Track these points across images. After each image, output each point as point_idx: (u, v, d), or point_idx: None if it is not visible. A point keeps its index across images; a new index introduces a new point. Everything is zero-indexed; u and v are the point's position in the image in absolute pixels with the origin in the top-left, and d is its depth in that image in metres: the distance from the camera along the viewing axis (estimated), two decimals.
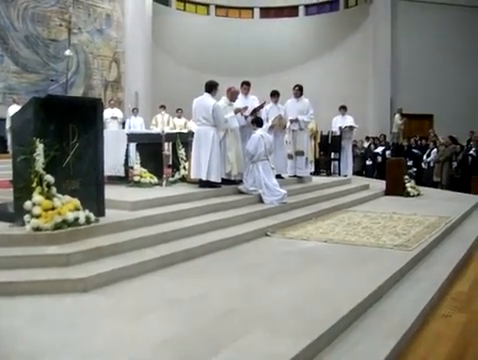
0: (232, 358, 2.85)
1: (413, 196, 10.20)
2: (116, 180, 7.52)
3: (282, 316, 3.48)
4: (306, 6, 22.63)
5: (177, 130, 11.88)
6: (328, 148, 12.16)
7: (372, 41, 20.76)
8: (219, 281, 4.34)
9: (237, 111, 7.99)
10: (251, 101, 8.53)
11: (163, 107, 14.29)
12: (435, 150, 14.11)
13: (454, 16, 19.32)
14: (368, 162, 16.42)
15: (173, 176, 8.21)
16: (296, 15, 22.72)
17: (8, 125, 12.07)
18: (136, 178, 7.51)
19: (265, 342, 3.04)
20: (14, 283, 3.95)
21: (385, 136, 17.62)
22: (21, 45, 15.55)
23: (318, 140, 12.25)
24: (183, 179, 8.08)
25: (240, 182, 7.82)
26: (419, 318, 3.87)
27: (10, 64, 15.30)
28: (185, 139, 8.46)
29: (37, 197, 4.60)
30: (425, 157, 14.51)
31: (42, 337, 3.14)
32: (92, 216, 4.92)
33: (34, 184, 4.63)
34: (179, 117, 14.19)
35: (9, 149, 11.28)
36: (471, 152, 13.11)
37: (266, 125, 8.70)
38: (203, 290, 4.06)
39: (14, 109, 10.34)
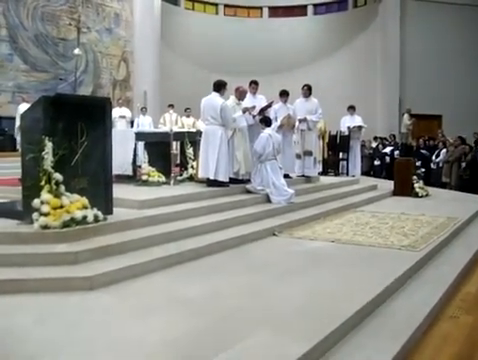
0: (237, 358, 2.85)
1: (421, 197, 10.14)
2: (124, 179, 7.53)
3: (289, 316, 3.47)
4: (315, 5, 22.60)
5: (185, 129, 11.89)
6: (336, 148, 12.13)
7: (381, 41, 20.68)
8: (226, 280, 4.34)
9: (245, 110, 7.98)
10: (259, 100, 8.52)
11: (171, 106, 14.30)
12: (444, 150, 14.03)
13: (464, 16, 19.21)
14: (376, 162, 16.33)
15: (181, 175, 8.21)
16: (305, 14, 22.71)
17: (18, 123, 12.15)
18: (144, 177, 7.53)
19: (271, 342, 3.03)
20: (22, 281, 3.97)
21: (394, 136, 17.53)
22: (30, 44, 15.65)
23: (326, 140, 12.20)
24: (191, 178, 8.09)
25: (248, 181, 7.82)
26: (427, 319, 3.85)
27: (19, 63, 15.40)
28: (193, 138, 8.48)
29: (45, 195, 4.62)
30: (434, 157, 14.43)
31: (49, 335, 3.15)
32: (100, 214, 4.94)
33: (43, 182, 4.65)
34: (187, 116, 14.18)
35: (18, 147, 11.36)
36: None
37: (274, 124, 8.69)
38: (209, 289, 4.06)
39: (23, 108, 10.40)
